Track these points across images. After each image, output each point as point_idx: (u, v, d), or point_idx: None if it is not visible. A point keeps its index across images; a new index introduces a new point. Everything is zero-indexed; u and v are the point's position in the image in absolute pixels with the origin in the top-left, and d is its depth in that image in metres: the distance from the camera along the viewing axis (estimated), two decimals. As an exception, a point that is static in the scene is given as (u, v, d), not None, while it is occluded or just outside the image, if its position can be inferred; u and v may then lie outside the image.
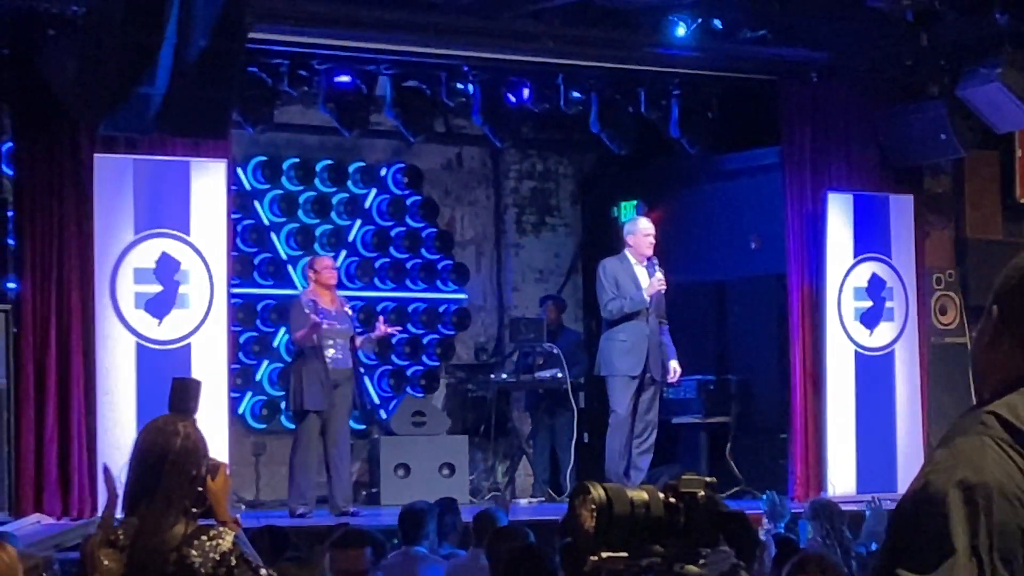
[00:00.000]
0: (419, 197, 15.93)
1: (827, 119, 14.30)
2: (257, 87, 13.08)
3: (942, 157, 14.54)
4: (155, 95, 10.88)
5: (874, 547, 9.86)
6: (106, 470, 5.17)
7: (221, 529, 4.71)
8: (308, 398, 12.55)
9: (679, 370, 13.49)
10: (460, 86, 14.06)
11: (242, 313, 14.63)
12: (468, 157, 16.44)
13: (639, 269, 13.35)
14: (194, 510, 4.71)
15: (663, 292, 13.30)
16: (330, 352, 12.65)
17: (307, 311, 12.61)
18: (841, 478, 13.91)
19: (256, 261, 14.99)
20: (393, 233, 15.76)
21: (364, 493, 14.69)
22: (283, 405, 13.90)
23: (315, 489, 12.77)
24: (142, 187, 12.12)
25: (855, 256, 14.31)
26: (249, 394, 14.92)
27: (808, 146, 14.26)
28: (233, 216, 13.35)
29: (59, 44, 11.39)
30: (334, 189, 15.47)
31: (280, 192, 15.20)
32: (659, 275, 13.25)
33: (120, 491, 4.85)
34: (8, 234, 12.06)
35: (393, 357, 15.70)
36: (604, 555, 2.64)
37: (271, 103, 13.41)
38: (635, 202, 15.93)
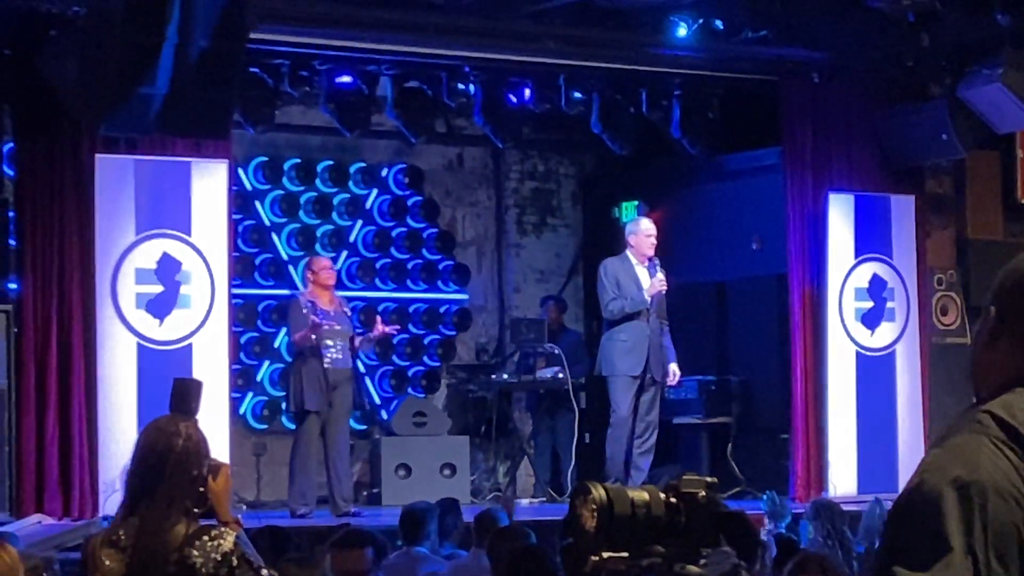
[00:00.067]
0: (420, 197, 15.94)
1: (828, 119, 14.30)
2: (258, 87, 13.08)
3: (943, 157, 14.54)
4: (156, 95, 10.88)
5: (871, 545, 9.86)
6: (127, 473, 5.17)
7: (223, 529, 4.71)
8: (308, 399, 12.55)
9: (678, 373, 13.49)
10: (461, 86, 14.06)
11: (243, 313, 14.64)
12: (469, 157, 16.44)
13: (640, 269, 13.36)
14: (195, 510, 4.71)
15: (664, 293, 13.31)
16: (330, 353, 12.64)
17: (305, 312, 12.61)
18: (842, 478, 13.91)
19: (257, 261, 15.00)
20: (394, 233, 15.76)
21: (365, 493, 14.69)
22: (284, 406, 13.90)
23: (315, 489, 12.77)
24: (143, 187, 12.12)
25: (856, 256, 14.31)
26: (250, 394, 14.93)
27: (809, 146, 14.26)
28: (234, 216, 13.36)
29: (60, 44, 11.39)
30: (335, 189, 15.48)
31: (281, 192, 15.20)
32: (660, 275, 13.25)
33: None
34: (9, 234, 12.06)
35: (394, 357, 15.70)
36: (605, 555, 2.64)
37: (272, 103, 13.41)
38: (636, 202, 15.95)
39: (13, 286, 11.98)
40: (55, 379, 11.73)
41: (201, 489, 4.73)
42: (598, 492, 2.64)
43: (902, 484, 2.45)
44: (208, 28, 10.86)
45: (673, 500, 2.69)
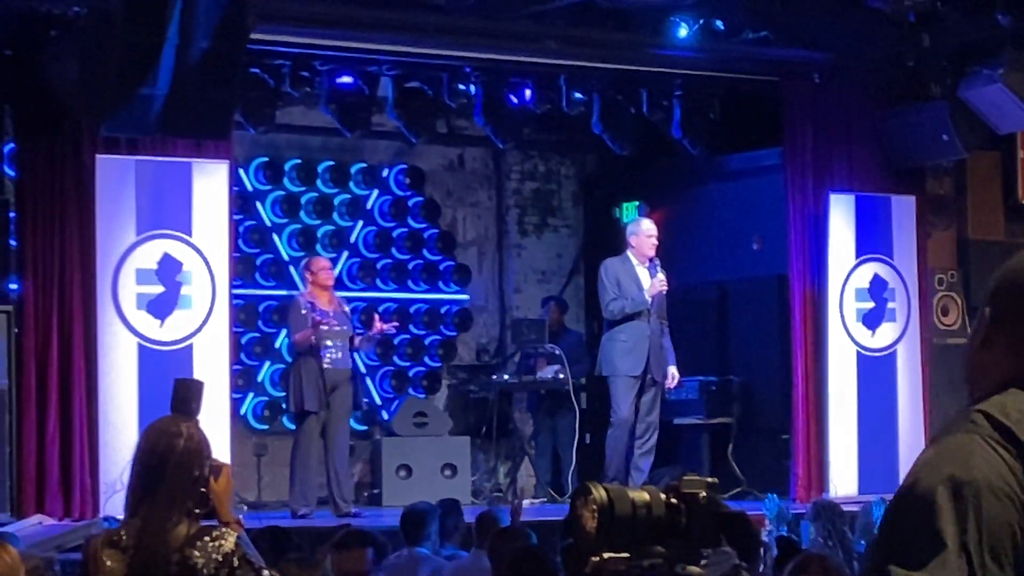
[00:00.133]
0: (421, 198, 15.94)
1: (829, 120, 14.30)
2: (259, 88, 13.08)
3: (944, 158, 14.54)
4: (157, 96, 10.88)
5: (871, 542, 9.86)
6: None
7: (224, 530, 4.71)
8: (307, 399, 12.56)
9: (677, 376, 13.50)
10: (462, 87, 14.06)
11: (244, 314, 14.64)
12: (470, 158, 16.44)
13: (641, 270, 13.36)
14: (197, 511, 4.71)
15: (664, 293, 13.31)
16: (329, 353, 12.64)
17: (304, 312, 12.62)
18: (843, 479, 13.91)
19: (258, 262, 15.00)
20: (395, 234, 15.76)
21: (366, 494, 14.70)
22: (284, 406, 13.90)
23: (316, 490, 12.77)
24: (144, 188, 12.12)
25: (857, 257, 14.31)
26: (251, 395, 14.94)
27: (810, 147, 14.25)
28: (235, 217, 13.35)
29: (61, 45, 11.40)
30: (336, 190, 15.48)
31: (282, 193, 15.20)
32: (661, 276, 13.25)
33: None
34: (10, 235, 12.07)
35: (395, 358, 15.70)
36: (606, 556, 2.64)
37: (273, 104, 13.42)
38: (637, 203, 15.95)
39: (14, 286, 11.98)
40: (56, 379, 11.73)
41: (202, 490, 4.73)
42: (599, 493, 2.64)
43: (902, 485, 2.45)
44: (209, 28, 10.86)
45: (674, 501, 2.69)
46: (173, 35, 10.73)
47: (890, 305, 14.40)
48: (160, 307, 12.12)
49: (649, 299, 13.23)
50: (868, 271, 14.35)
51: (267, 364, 15.01)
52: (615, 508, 2.64)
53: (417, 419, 14.87)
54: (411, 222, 15.88)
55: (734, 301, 15.47)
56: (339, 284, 14.37)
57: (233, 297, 12.89)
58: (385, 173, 15.77)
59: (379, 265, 15.62)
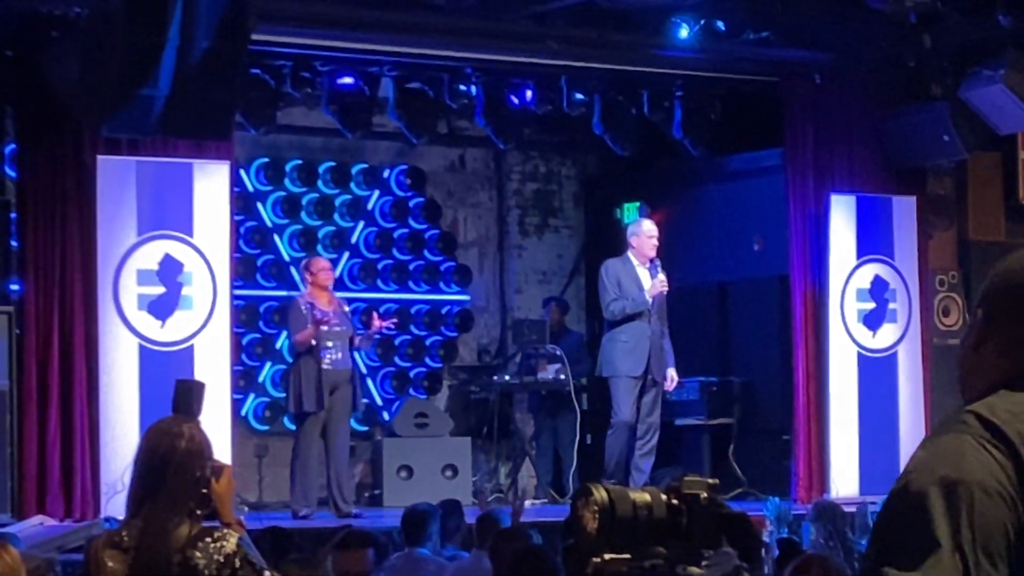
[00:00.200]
0: (422, 199, 15.94)
1: (830, 120, 14.30)
2: (260, 89, 13.08)
3: (945, 159, 14.54)
4: (158, 97, 10.88)
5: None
6: None
7: (225, 531, 4.71)
8: (306, 400, 12.56)
9: (676, 378, 13.51)
10: (463, 88, 14.06)
11: (245, 315, 14.64)
12: (471, 159, 16.45)
13: (641, 270, 13.37)
14: (198, 512, 4.71)
15: (665, 294, 13.31)
16: (329, 354, 12.64)
17: (304, 312, 12.62)
18: (844, 480, 13.90)
19: (259, 263, 15.00)
20: (396, 235, 15.76)
21: (367, 495, 14.70)
22: (285, 407, 13.90)
23: (317, 490, 12.78)
24: (145, 189, 12.12)
25: (858, 258, 14.32)
26: (252, 396, 14.94)
27: (811, 147, 14.25)
28: (236, 218, 13.35)
29: (62, 46, 11.40)
30: (337, 191, 15.48)
31: (283, 194, 15.20)
32: (661, 276, 13.26)
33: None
34: (11, 236, 12.07)
35: (396, 359, 15.70)
36: (606, 557, 2.64)
37: (274, 105, 13.42)
38: (638, 204, 15.95)
39: (15, 287, 11.98)
40: (57, 380, 11.73)
41: (204, 490, 4.73)
42: (600, 494, 2.64)
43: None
44: (210, 29, 10.86)
45: (675, 502, 2.69)
46: (174, 36, 10.73)
47: (891, 306, 14.40)
48: (161, 308, 12.12)
49: (650, 300, 13.23)
50: (869, 272, 14.35)
51: (268, 365, 15.02)
52: (616, 509, 2.64)
53: (418, 420, 14.87)
54: (412, 223, 15.88)
55: (735, 302, 15.47)
56: (340, 285, 14.37)
57: (234, 298, 12.89)
58: (386, 174, 15.77)
59: (380, 266, 15.62)
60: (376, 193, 15.70)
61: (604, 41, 13.54)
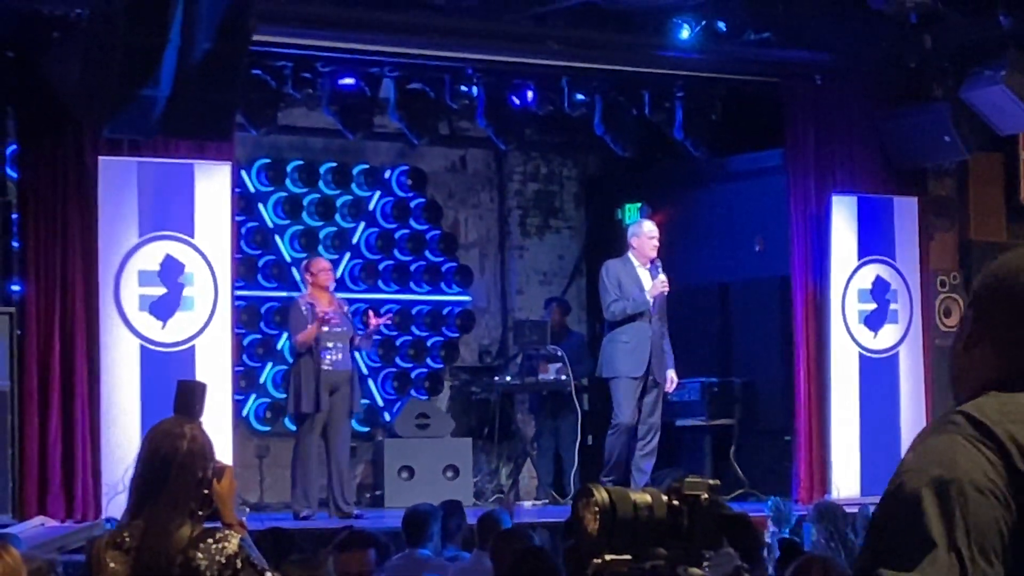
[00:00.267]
0: (423, 199, 15.94)
1: (831, 121, 14.30)
2: (261, 89, 13.08)
3: (946, 159, 14.54)
4: (159, 97, 10.88)
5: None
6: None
7: (227, 532, 4.71)
8: (303, 401, 12.56)
9: (676, 380, 13.51)
10: (464, 88, 14.06)
11: (246, 315, 14.64)
12: (472, 159, 16.45)
13: (642, 271, 13.37)
14: (200, 513, 4.71)
15: (665, 294, 13.31)
16: (329, 355, 12.64)
17: (305, 312, 12.63)
18: (845, 480, 13.90)
19: (260, 263, 15.00)
20: (397, 235, 15.76)
21: (368, 495, 14.70)
22: (286, 407, 13.91)
23: (318, 491, 12.78)
24: (146, 189, 12.13)
25: (859, 258, 14.32)
26: (253, 396, 14.94)
27: (812, 148, 14.26)
28: (237, 218, 13.36)
29: (63, 47, 11.40)
30: (338, 191, 15.48)
31: (284, 194, 15.20)
32: (662, 277, 13.26)
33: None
34: (12, 236, 12.07)
35: (397, 359, 15.70)
36: (607, 558, 2.64)
37: (275, 105, 13.42)
38: (639, 204, 15.95)
39: (16, 288, 11.99)
40: (58, 381, 11.74)
41: (206, 491, 4.73)
42: (600, 494, 2.64)
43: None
44: (211, 30, 10.86)
45: (676, 502, 2.69)
46: (175, 36, 10.73)
47: (892, 306, 14.41)
48: (162, 308, 12.12)
49: (650, 300, 13.23)
50: (870, 272, 14.35)
51: (269, 365, 15.02)
52: (617, 510, 2.64)
53: (419, 420, 14.87)
54: (413, 223, 15.88)
55: (736, 302, 15.47)
56: (341, 285, 14.38)
57: (235, 298, 12.89)
58: (387, 174, 15.77)
59: (381, 266, 15.62)
60: (377, 194, 15.70)
61: (605, 42, 13.54)
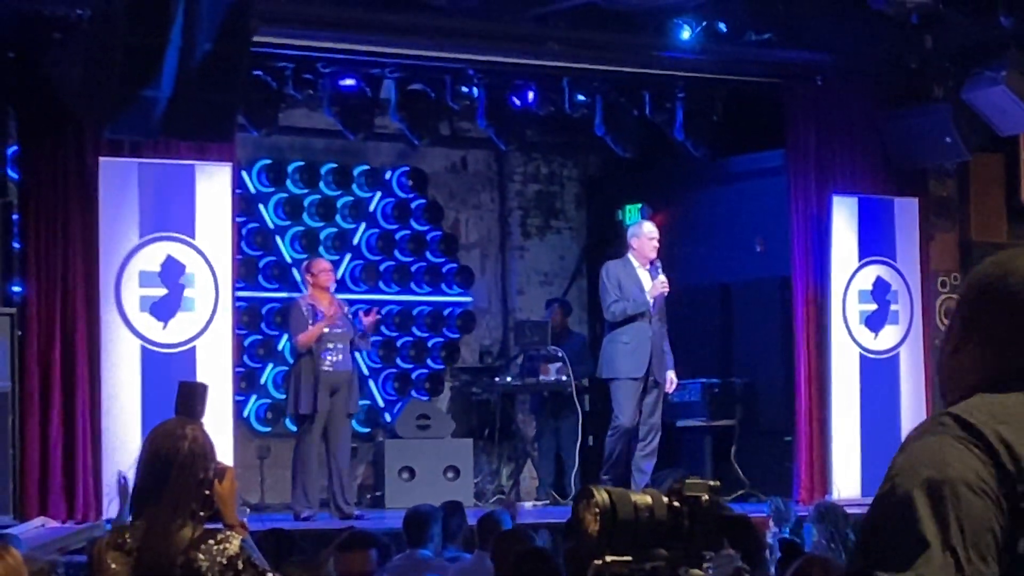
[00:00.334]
0: (424, 200, 15.94)
1: (832, 122, 14.30)
2: (262, 90, 13.08)
3: (947, 160, 14.54)
4: (160, 98, 10.88)
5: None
6: (123, 479, 5.17)
7: (228, 533, 4.71)
8: (302, 402, 12.56)
9: (676, 381, 13.50)
10: (465, 89, 14.06)
11: (247, 316, 14.64)
12: (473, 160, 16.45)
13: (642, 272, 13.36)
14: (201, 514, 4.72)
15: (665, 295, 13.31)
16: (330, 356, 12.64)
17: (305, 312, 12.63)
18: (846, 481, 13.90)
19: (261, 264, 15.00)
20: (398, 236, 15.76)
21: (369, 496, 14.70)
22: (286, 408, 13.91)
23: (318, 492, 12.78)
24: (147, 190, 12.13)
25: (860, 259, 14.32)
26: (254, 397, 14.94)
27: (813, 149, 14.25)
28: (238, 219, 13.36)
29: (64, 47, 11.40)
30: (339, 192, 15.48)
31: (285, 195, 15.21)
32: (662, 278, 13.25)
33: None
34: (13, 237, 12.08)
35: (398, 360, 15.70)
36: (608, 559, 2.65)
37: (276, 106, 13.41)
38: (640, 205, 15.95)
39: (17, 289, 11.99)
40: (59, 382, 11.73)
41: (207, 492, 4.73)
42: (601, 496, 2.64)
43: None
44: (212, 31, 10.86)
45: (676, 503, 2.70)
46: (176, 37, 10.73)
47: (893, 307, 14.41)
48: (163, 309, 12.13)
49: (651, 301, 13.23)
50: (871, 273, 14.35)
51: (270, 366, 15.02)
52: (617, 511, 2.64)
53: (420, 421, 14.86)
54: (414, 224, 15.88)
55: (737, 303, 15.47)
56: (342, 286, 14.38)
57: (236, 299, 12.89)
58: (388, 175, 15.77)
59: (382, 267, 15.62)
60: (378, 194, 15.70)
61: (606, 42, 13.54)
